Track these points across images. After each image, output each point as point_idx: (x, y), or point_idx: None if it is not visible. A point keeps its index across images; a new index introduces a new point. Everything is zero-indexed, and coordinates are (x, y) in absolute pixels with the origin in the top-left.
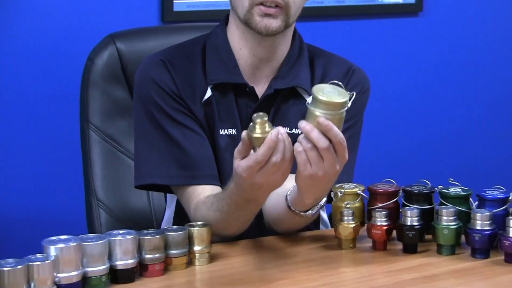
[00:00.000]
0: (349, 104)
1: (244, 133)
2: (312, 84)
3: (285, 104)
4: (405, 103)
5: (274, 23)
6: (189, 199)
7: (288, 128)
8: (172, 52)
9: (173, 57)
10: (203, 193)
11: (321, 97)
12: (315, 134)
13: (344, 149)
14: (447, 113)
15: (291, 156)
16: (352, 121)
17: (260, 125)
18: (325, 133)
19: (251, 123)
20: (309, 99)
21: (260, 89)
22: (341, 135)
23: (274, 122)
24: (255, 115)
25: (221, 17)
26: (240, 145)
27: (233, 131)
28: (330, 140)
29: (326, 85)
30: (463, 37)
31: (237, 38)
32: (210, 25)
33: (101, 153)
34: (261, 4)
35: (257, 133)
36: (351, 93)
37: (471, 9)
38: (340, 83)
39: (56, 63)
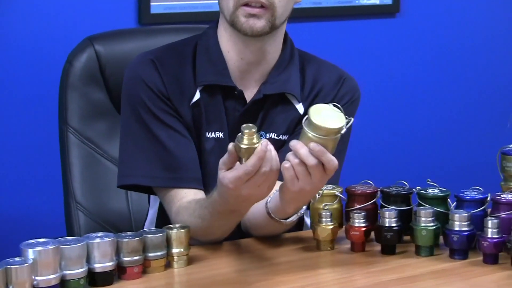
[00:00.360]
0: (344, 130)
1: (231, 145)
2: (302, 90)
3: (274, 109)
4: (381, 104)
5: (259, 23)
6: (171, 202)
7: (276, 134)
8: (163, 52)
9: (164, 57)
10: (186, 196)
11: (316, 121)
12: (304, 152)
13: (334, 170)
14: (424, 114)
15: (278, 167)
16: None
17: (248, 136)
18: (317, 157)
19: (239, 134)
20: (305, 118)
21: (249, 93)
22: (334, 161)
23: (261, 127)
24: (243, 125)
25: (198, 19)
26: (226, 156)
27: (220, 134)
28: (322, 163)
29: (323, 106)
30: (440, 37)
31: (225, 40)
32: (187, 27)
33: (80, 156)
34: (246, 4)
35: (245, 144)
36: (348, 118)
37: (447, 10)
38: (339, 105)
39: (34, 66)
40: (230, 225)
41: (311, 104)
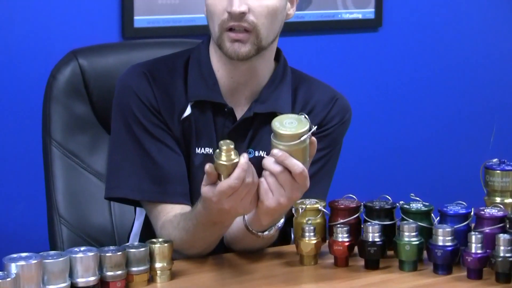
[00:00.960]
0: (307, 135)
1: (207, 166)
2: (293, 110)
3: (264, 127)
4: (364, 119)
5: (243, 48)
6: (157, 216)
7: (265, 152)
8: (155, 65)
9: (156, 70)
10: (172, 211)
11: (278, 129)
12: (268, 161)
13: (305, 178)
14: (406, 128)
15: (258, 180)
16: (328, 149)
17: (226, 153)
18: (281, 163)
19: (217, 150)
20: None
21: (240, 110)
22: (299, 165)
23: (251, 145)
24: (221, 142)
25: (182, 34)
26: (205, 176)
27: (209, 150)
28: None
29: (288, 116)
30: (423, 52)
31: (215, 60)
32: (170, 41)
33: (63, 169)
34: (230, 29)
35: (223, 160)
36: (312, 125)
37: (430, 24)
38: (304, 114)
39: (18, 79)
40: (213, 237)
41: None
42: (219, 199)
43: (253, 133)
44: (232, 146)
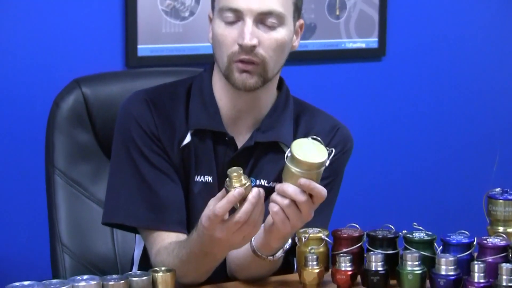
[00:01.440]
0: (328, 162)
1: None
2: (295, 138)
3: (264, 156)
4: (367, 148)
5: (251, 80)
6: (152, 243)
7: (266, 181)
8: (157, 92)
9: (157, 97)
10: (168, 239)
11: (299, 156)
12: (293, 190)
13: (322, 199)
14: (410, 157)
15: (256, 223)
16: (330, 179)
17: (237, 178)
18: (307, 191)
19: (227, 179)
20: (287, 154)
21: (241, 139)
22: (323, 190)
23: (251, 174)
24: (229, 170)
25: (185, 62)
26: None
27: (208, 179)
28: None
29: (304, 141)
30: (426, 81)
31: (218, 88)
32: (174, 70)
33: (66, 198)
34: (239, 61)
35: (236, 187)
36: (330, 149)
37: (433, 54)
38: (319, 138)
39: (22, 107)
40: (206, 268)
41: None
42: (211, 227)
43: (254, 162)
44: (241, 171)
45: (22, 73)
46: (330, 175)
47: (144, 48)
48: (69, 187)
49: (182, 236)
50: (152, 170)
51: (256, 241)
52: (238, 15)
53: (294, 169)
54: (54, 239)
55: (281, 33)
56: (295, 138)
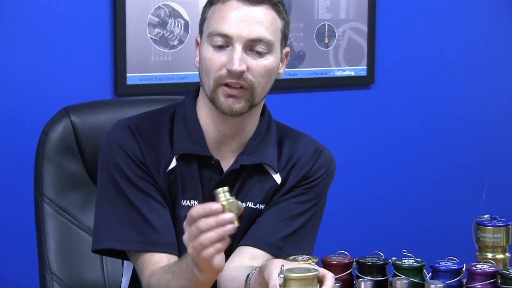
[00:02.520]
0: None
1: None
2: (279, 161)
3: (250, 179)
4: (356, 175)
5: (238, 105)
6: (144, 266)
7: (253, 203)
8: (141, 120)
9: (141, 124)
10: (160, 261)
11: (293, 274)
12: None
13: None
14: (398, 185)
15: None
16: (315, 201)
17: (223, 194)
18: None
19: (216, 199)
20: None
21: (226, 163)
22: None
23: (238, 197)
24: (215, 190)
25: (174, 91)
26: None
27: (195, 203)
28: None
29: (293, 266)
30: (415, 109)
31: (204, 113)
32: (163, 98)
33: (55, 226)
34: (226, 85)
35: (222, 201)
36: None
37: (422, 81)
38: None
39: (10, 136)
40: None
41: (288, 174)
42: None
43: (240, 184)
44: (226, 188)
45: (11, 101)
46: (315, 197)
47: (133, 76)
48: (58, 215)
49: (173, 258)
50: (139, 195)
51: (253, 279)
52: (228, 41)
53: None
54: (43, 267)
55: (269, 60)
56: (279, 160)
